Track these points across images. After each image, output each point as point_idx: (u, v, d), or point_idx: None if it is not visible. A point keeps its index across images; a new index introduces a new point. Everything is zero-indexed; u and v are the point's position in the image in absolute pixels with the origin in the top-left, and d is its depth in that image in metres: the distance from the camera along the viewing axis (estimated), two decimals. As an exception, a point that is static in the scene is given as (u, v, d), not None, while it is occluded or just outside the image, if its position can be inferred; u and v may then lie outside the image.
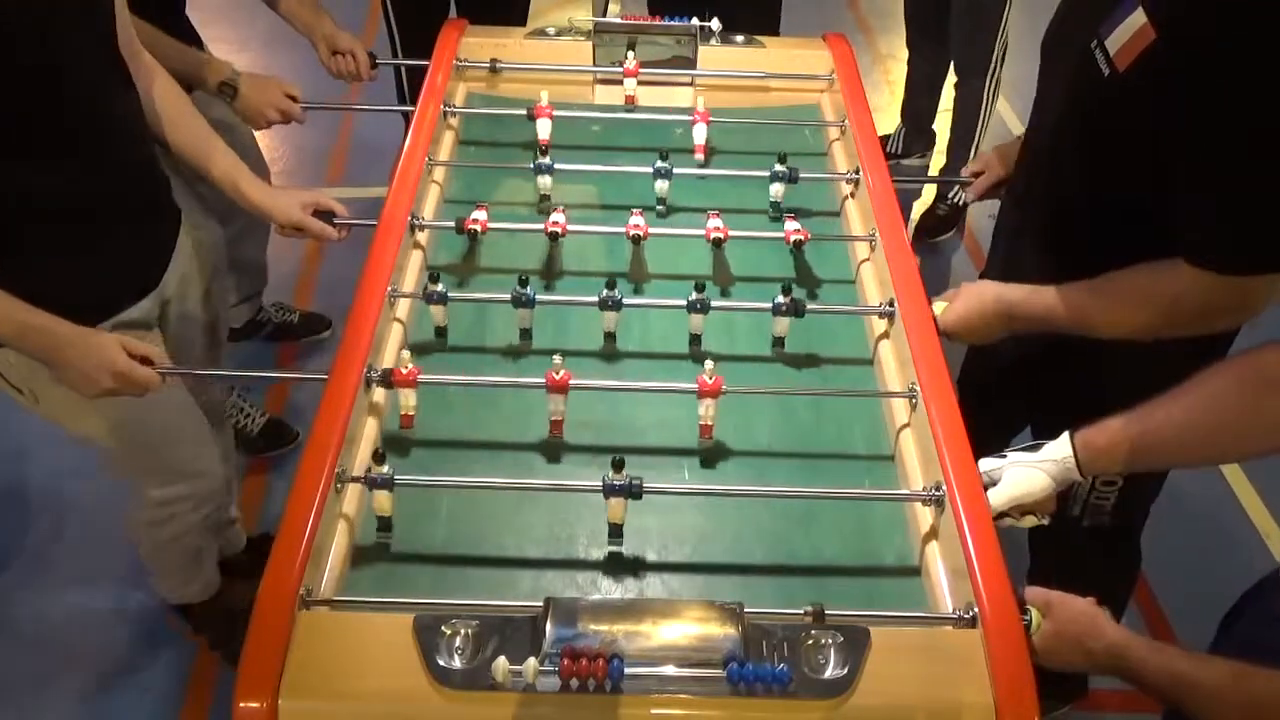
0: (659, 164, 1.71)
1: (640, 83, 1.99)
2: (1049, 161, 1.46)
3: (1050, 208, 1.47)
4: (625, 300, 1.49)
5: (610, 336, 1.52)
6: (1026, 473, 1.24)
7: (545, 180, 1.74)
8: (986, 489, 1.25)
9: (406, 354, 1.37)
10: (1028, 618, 1.14)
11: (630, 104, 1.96)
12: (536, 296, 1.48)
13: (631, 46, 1.97)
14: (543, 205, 1.75)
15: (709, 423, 1.36)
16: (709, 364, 1.35)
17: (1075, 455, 1.22)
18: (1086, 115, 1.31)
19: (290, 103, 1.92)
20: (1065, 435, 1.24)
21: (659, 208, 1.76)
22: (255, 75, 1.91)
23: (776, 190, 1.75)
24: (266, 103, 1.90)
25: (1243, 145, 1.13)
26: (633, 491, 1.21)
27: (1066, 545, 1.67)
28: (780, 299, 1.47)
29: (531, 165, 1.73)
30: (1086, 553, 1.67)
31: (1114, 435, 1.20)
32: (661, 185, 1.73)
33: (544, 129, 1.82)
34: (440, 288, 1.48)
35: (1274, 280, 1.20)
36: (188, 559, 1.88)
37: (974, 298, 1.45)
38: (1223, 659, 1.05)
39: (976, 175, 1.77)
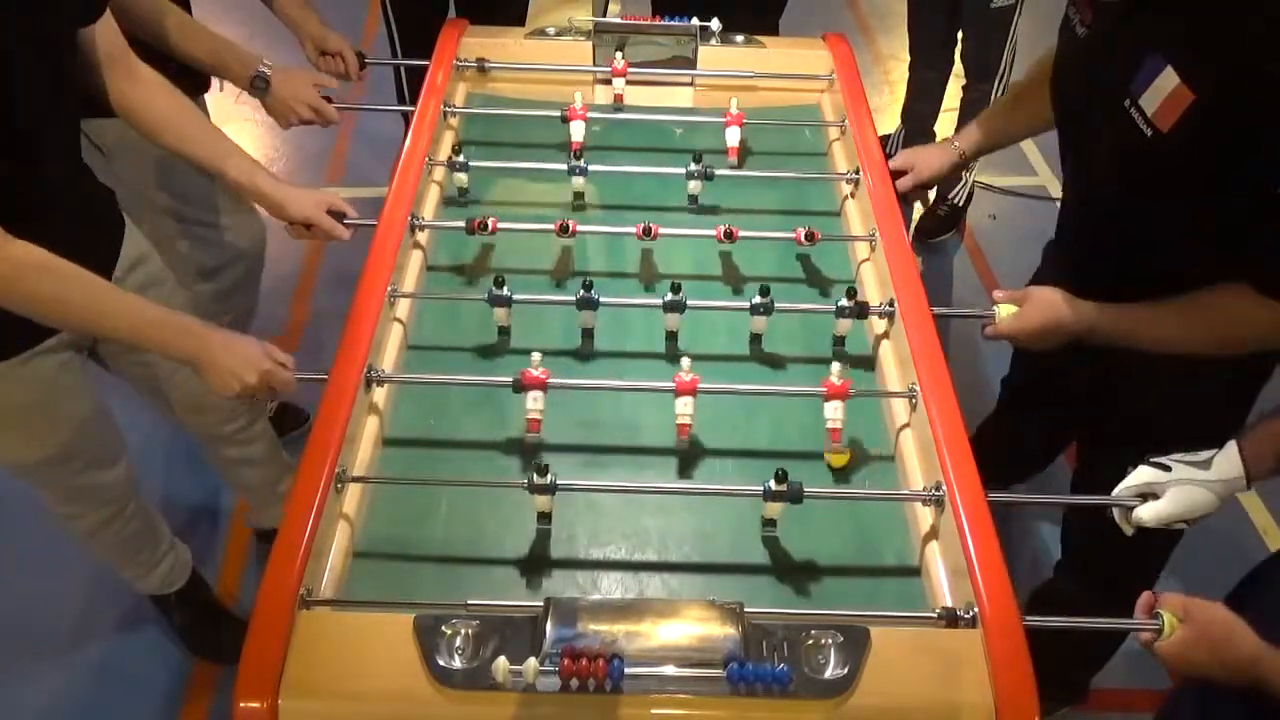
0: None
1: (641, 83, 1.99)
2: (1092, 215, 1.46)
3: (1094, 260, 1.48)
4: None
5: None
6: (1194, 493, 1.21)
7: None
8: (1144, 499, 1.24)
9: (537, 356, 1.36)
10: (1159, 622, 1.12)
11: (618, 103, 1.96)
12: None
13: (620, 47, 1.97)
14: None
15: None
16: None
17: (1246, 471, 1.20)
18: (1131, 174, 1.32)
19: (324, 102, 1.85)
20: (1234, 452, 1.21)
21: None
22: (288, 68, 1.84)
23: (694, 186, 1.77)
24: (299, 99, 1.83)
25: None
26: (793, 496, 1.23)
27: (1101, 537, 1.68)
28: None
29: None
30: (1121, 547, 1.67)
31: (1276, 441, 1.19)
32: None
33: (578, 131, 1.81)
34: (506, 291, 1.47)
35: None
36: (121, 550, 1.87)
37: (1048, 307, 1.43)
38: None
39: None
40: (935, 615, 1.15)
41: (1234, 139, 1.17)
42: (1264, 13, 1.12)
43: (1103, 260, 1.44)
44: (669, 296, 1.47)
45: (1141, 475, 1.25)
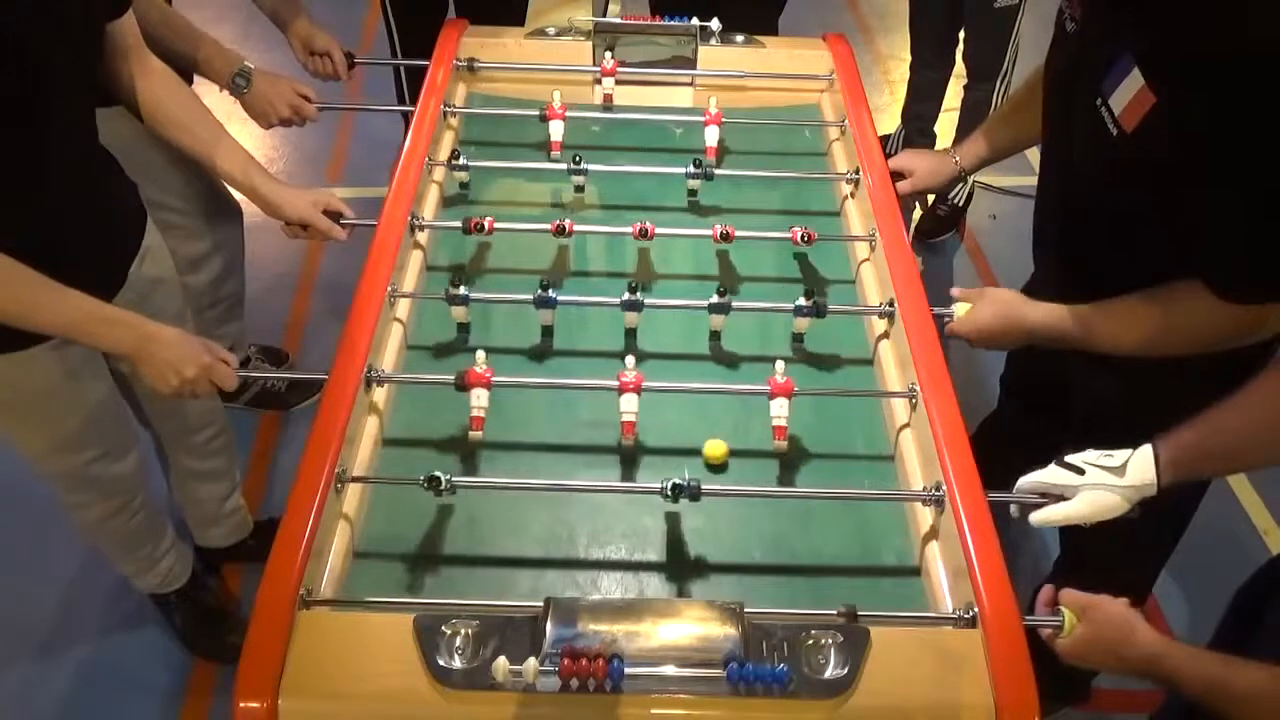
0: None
1: (640, 83, 1.99)
2: (1075, 215, 1.46)
3: (1068, 259, 1.49)
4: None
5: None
6: (1104, 497, 1.19)
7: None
8: (1056, 500, 1.23)
9: (482, 355, 1.36)
10: (1060, 619, 1.13)
11: (608, 102, 1.96)
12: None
13: (610, 47, 1.97)
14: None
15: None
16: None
17: (1159, 476, 1.19)
18: (1102, 173, 1.32)
19: (303, 101, 1.89)
20: (1148, 456, 1.19)
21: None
22: (269, 72, 1.87)
23: (694, 183, 1.77)
24: (279, 98, 1.86)
25: (1265, 186, 1.15)
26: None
27: (1098, 536, 1.68)
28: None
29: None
30: (1119, 546, 1.66)
31: (1192, 448, 1.18)
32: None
33: (556, 130, 1.81)
34: (463, 290, 1.48)
35: None
36: (125, 543, 1.87)
37: (1002, 307, 1.44)
38: (1257, 663, 1.05)
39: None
40: (935, 615, 1.15)
41: (1202, 138, 1.16)
42: (1265, 10, 1.12)
43: (1086, 261, 1.44)
44: (624, 295, 1.47)
45: (1051, 476, 1.23)
